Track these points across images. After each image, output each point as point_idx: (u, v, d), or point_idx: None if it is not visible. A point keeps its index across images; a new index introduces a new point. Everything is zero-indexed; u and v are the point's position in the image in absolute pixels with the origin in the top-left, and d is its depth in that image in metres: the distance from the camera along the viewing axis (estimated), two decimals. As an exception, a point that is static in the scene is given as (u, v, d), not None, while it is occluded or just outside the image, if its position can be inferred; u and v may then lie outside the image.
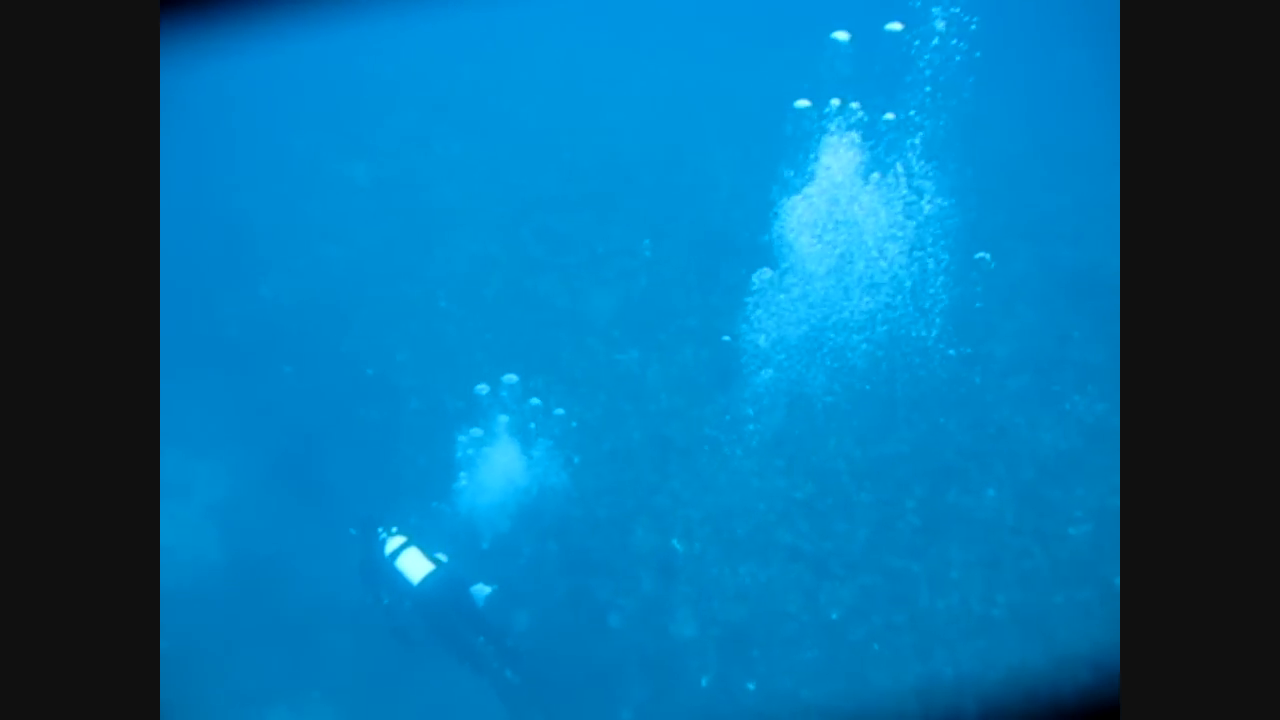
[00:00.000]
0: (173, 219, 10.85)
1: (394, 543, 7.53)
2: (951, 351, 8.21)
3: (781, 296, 8.33)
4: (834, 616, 7.44)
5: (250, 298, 9.95)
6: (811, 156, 8.59)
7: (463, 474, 8.64)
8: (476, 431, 8.51)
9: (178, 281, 10.75)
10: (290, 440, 9.77)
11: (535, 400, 8.60)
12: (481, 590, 7.49)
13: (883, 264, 8.12)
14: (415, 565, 7.37)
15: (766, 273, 8.32)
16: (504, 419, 8.52)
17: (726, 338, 8.56)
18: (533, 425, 8.63)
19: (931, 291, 8.16)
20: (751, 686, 7.50)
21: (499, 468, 8.47)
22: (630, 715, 7.98)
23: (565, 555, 8.37)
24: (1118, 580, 7.03)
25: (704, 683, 7.68)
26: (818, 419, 8.27)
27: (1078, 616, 6.98)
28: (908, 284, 8.14)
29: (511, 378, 8.59)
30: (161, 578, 8.60)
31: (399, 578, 7.38)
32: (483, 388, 8.53)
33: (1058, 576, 7.18)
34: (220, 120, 10.43)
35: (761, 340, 8.50)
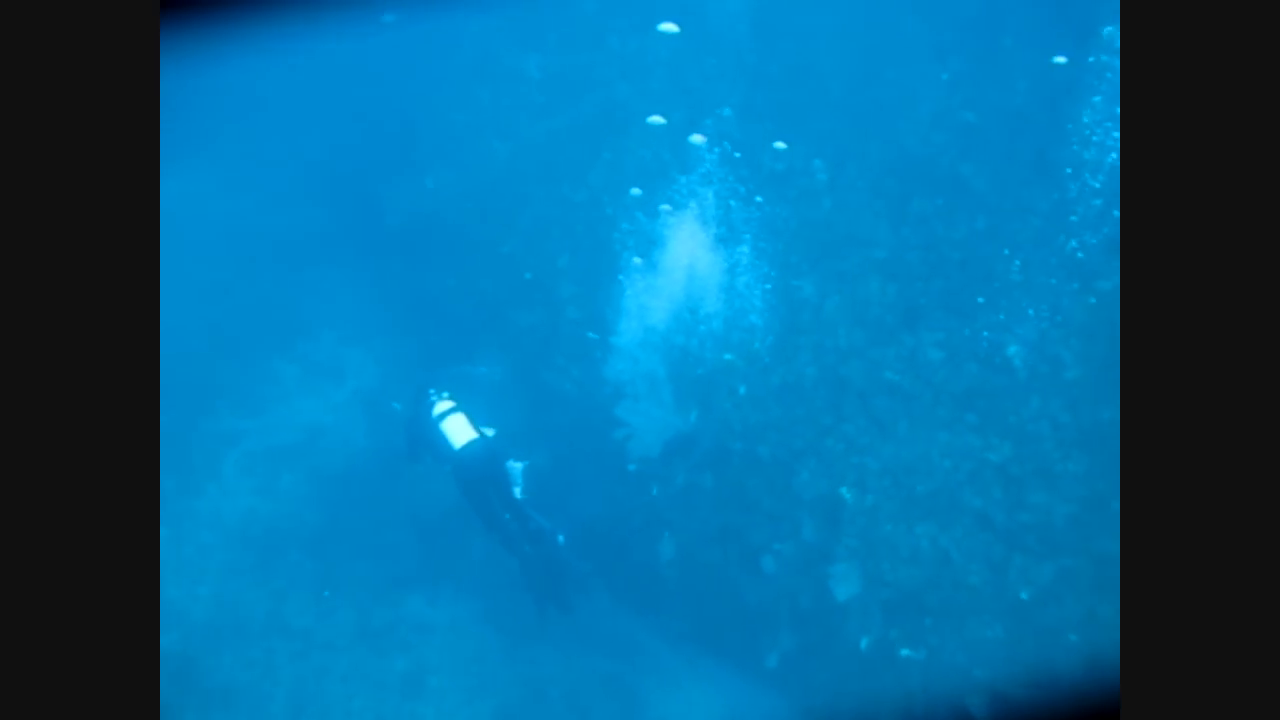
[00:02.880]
0: (345, 111, 10.71)
1: (442, 406, 7.38)
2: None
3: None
4: (1024, 596, 6.64)
5: (415, 189, 9.65)
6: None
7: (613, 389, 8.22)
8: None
9: (348, 170, 10.69)
10: (443, 336, 9.57)
11: (700, 325, 8.00)
12: (515, 466, 7.31)
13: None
14: (460, 431, 7.21)
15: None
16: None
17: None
18: (696, 346, 8.05)
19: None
20: (917, 654, 6.85)
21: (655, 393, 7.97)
22: (776, 661, 7.50)
23: (720, 490, 7.84)
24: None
25: (863, 645, 7.08)
26: (1019, 374, 7.32)
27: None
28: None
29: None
30: (313, 459, 8.75)
31: (442, 440, 7.23)
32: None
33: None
34: (395, 10, 10.04)
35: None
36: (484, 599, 7.78)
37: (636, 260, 8.33)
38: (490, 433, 7.39)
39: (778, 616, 7.53)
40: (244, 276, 10.24)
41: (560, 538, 7.40)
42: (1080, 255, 7.33)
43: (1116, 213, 7.07)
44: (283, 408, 9.28)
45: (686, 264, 8.12)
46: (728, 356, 7.77)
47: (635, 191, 8.75)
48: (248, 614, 7.41)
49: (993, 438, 7.10)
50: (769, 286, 7.99)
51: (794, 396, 7.68)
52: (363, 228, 9.87)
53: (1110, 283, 7.24)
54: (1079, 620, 6.53)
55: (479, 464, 7.18)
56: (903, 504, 7.10)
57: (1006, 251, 7.41)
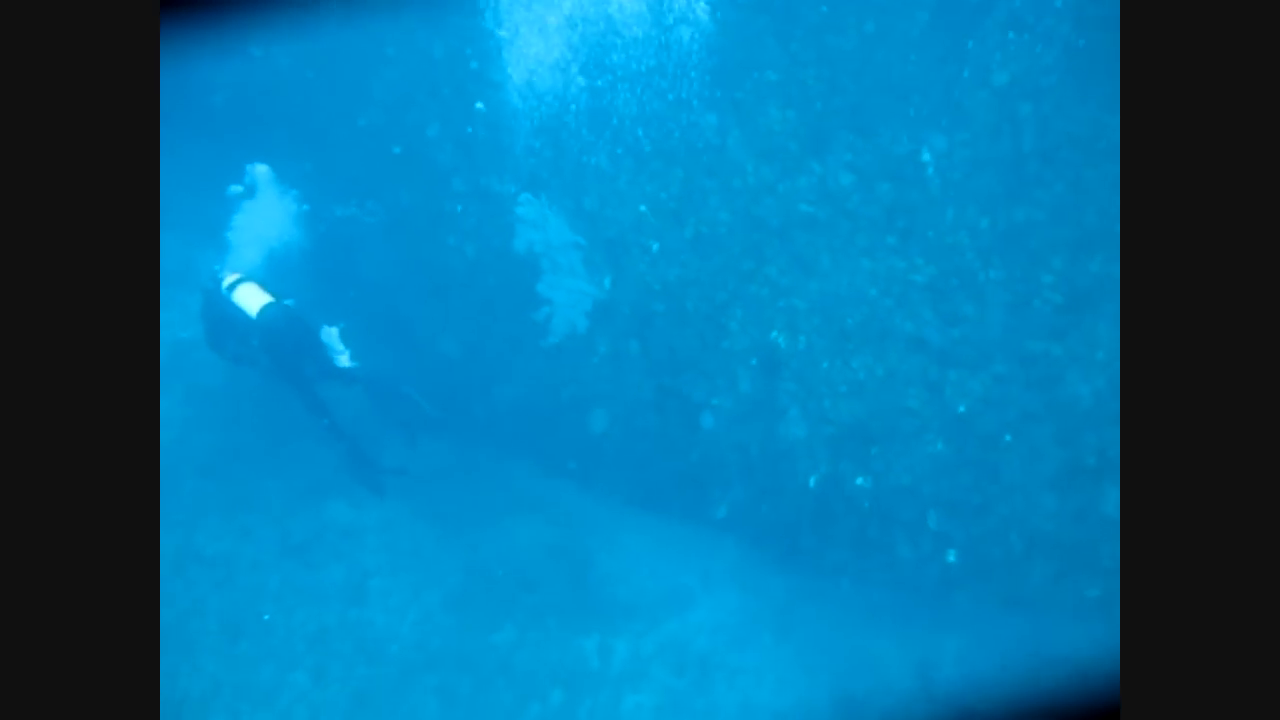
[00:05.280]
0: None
1: (231, 278, 6.94)
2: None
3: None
4: (962, 409, 6.77)
5: (243, 59, 8.21)
6: None
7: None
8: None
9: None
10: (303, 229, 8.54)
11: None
12: (331, 331, 7.02)
13: None
14: (253, 297, 6.80)
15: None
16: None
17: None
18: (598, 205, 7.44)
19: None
20: (865, 482, 6.99)
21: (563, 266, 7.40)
22: (726, 511, 7.55)
23: (649, 354, 7.52)
24: None
25: (811, 482, 7.15)
26: (932, 186, 7.10)
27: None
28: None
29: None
30: (186, 377, 7.84)
31: (239, 313, 6.79)
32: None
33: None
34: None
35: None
36: (410, 493, 7.40)
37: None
38: (290, 302, 6.88)
39: (724, 469, 7.49)
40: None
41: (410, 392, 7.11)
42: (970, 45, 6.98)
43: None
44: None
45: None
46: (642, 208, 7.20)
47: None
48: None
49: (915, 258, 6.96)
50: (668, 126, 7.35)
51: (710, 246, 7.27)
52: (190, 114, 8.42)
53: (1005, 76, 6.96)
54: (1014, 421, 6.73)
55: (283, 329, 6.66)
56: (835, 339, 6.99)
57: (901, 54, 6.97)
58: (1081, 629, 6.10)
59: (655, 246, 7.38)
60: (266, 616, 6.49)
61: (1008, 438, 6.76)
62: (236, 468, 7.33)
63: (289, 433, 7.46)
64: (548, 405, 7.88)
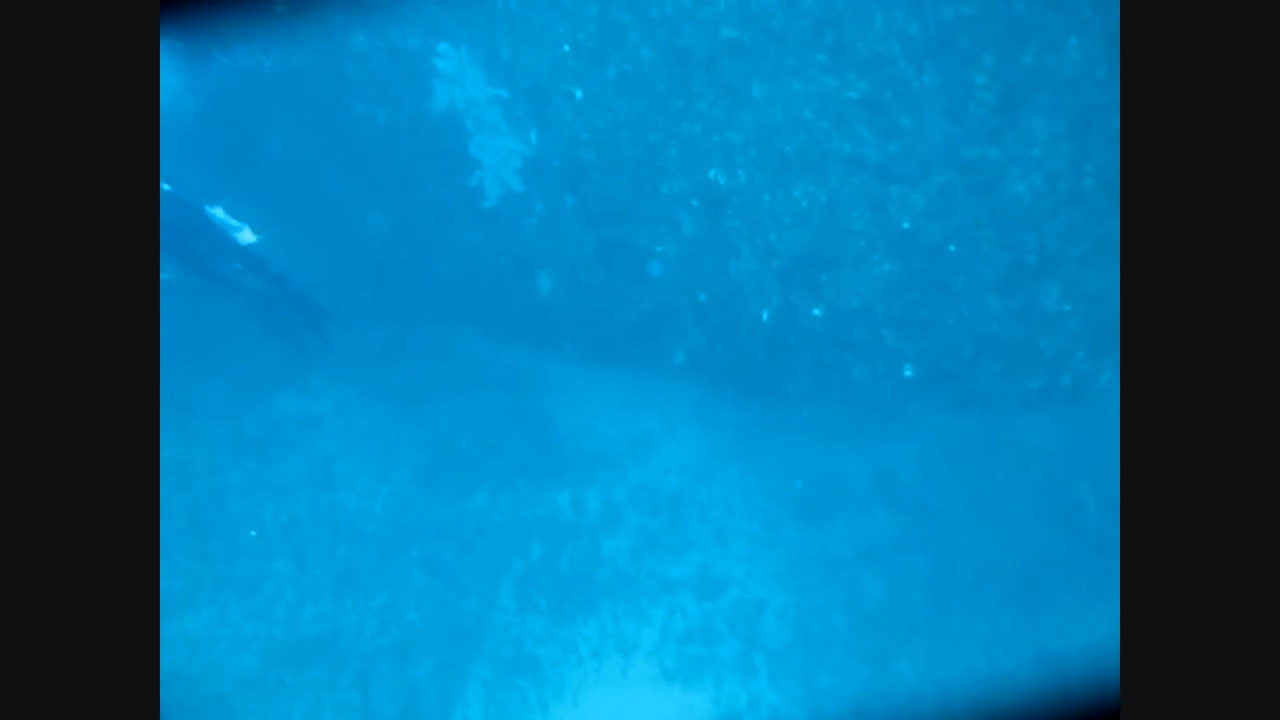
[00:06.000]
0: None
1: None
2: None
3: None
4: (906, 226, 6.74)
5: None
6: None
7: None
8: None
9: None
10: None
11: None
12: (215, 210, 6.72)
13: None
14: None
15: None
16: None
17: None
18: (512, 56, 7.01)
19: None
20: (819, 311, 7.02)
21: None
22: (684, 356, 7.59)
23: (586, 207, 7.32)
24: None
25: (765, 317, 7.17)
26: (858, -6, 6.79)
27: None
28: None
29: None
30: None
31: None
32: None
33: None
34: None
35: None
36: (360, 375, 7.30)
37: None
38: (168, 187, 6.55)
39: (676, 315, 7.47)
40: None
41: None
42: None
43: None
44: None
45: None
46: (566, 48, 6.81)
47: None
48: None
49: (847, 74, 6.72)
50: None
51: (635, 86, 6.94)
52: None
53: None
54: (956, 230, 6.74)
55: (166, 215, 6.39)
56: (775, 170, 6.83)
57: None
58: (1027, 420, 6.36)
59: (579, 93, 7.03)
60: (253, 533, 6.46)
61: (951, 248, 6.78)
62: (172, 369, 7.11)
63: (223, 330, 7.24)
64: (489, 272, 7.71)
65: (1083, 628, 5.51)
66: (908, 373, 7.16)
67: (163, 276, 6.80)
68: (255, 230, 6.62)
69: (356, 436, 6.93)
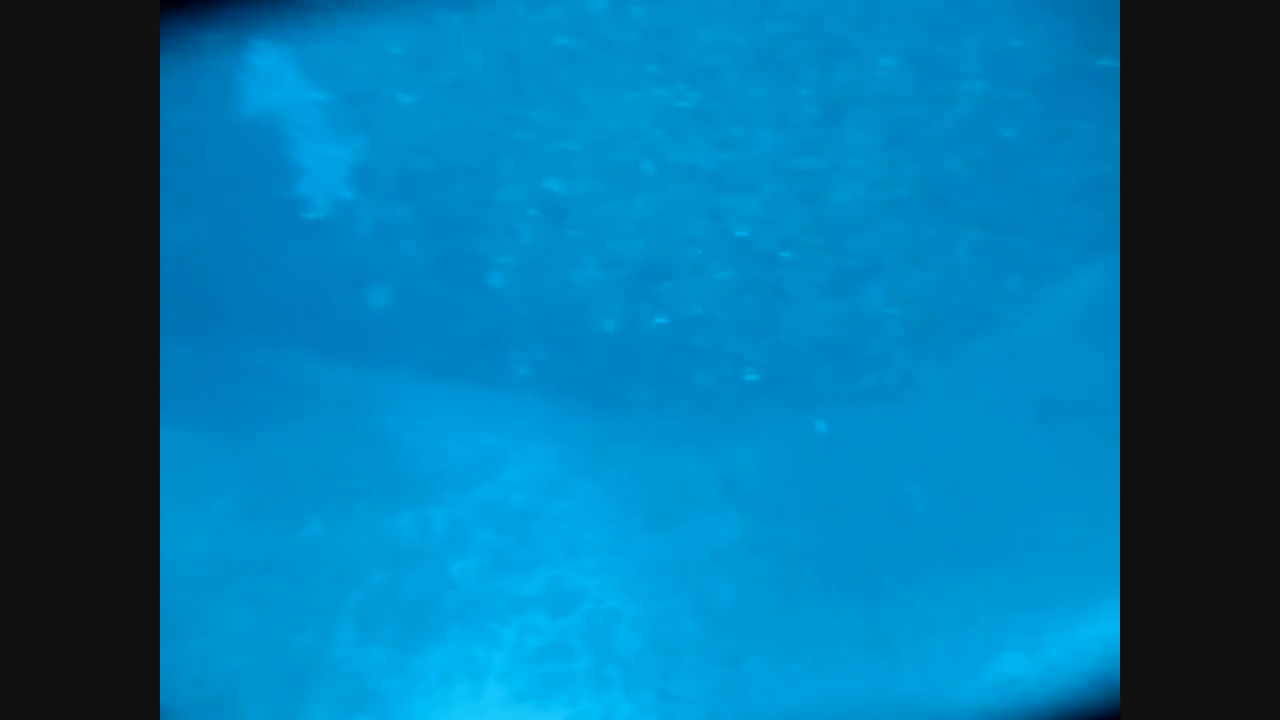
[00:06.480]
0: None
1: None
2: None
3: None
4: (742, 234, 6.90)
5: None
6: None
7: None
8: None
9: None
10: None
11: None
12: None
13: None
14: None
15: None
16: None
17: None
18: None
19: None
20: (663, 320, 7.07)
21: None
22: (529, 369, 7.44)
23: (420, 218, 7.05)
24: (1007, 134, 6.94)
25: (609, 327, 7.15)
26: (687, 7, 6.95)
27: (972, 176, 6.91)
28: None
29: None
30: None
31: None
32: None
33: (950, 139, 6.94)
34: None
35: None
36: (165, 402, 6.71)
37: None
38: None
39: (520, 327, 7.32)
40: None
41: None
42: None
43: None
44: None
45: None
46: (397, 50, 6.54)
47: None
48: None
49: (678, 84, 6.85)
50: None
51: (467, 92, 6.78)
52: None
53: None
54: (789, 237, 6.98)
55: None
56: (613, 179, 6.84)
57: None
58: (858, 418, 6.65)
59: (407, 99, 6.79)
60: None
61: (785, 254, 7.01)
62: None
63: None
64: (317, 286, 7.28)
65: (914, 613, 5.77)
66: (751, 376, 7.34)
67: None
68: None
69: (166, 468, 6.32)
